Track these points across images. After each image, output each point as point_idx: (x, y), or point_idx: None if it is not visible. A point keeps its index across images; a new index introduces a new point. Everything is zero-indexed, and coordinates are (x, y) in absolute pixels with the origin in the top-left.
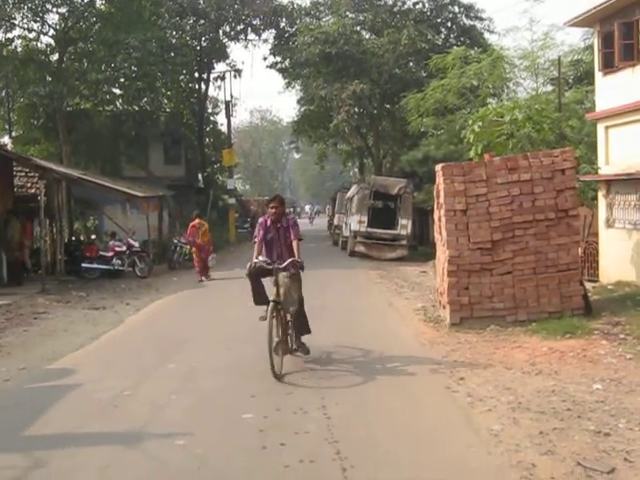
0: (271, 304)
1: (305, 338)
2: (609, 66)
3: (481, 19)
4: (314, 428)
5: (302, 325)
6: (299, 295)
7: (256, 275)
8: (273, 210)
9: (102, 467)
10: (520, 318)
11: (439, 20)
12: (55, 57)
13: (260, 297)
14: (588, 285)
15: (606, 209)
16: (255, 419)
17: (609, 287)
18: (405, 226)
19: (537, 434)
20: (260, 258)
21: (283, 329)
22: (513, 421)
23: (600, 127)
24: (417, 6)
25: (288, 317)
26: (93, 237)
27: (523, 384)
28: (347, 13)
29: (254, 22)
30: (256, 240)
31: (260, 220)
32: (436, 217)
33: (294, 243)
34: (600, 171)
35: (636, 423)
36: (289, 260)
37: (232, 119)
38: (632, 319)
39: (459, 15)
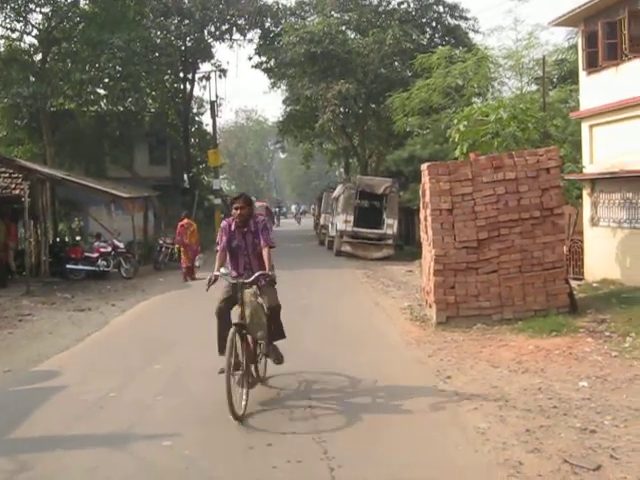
0: (233, 328)
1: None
2: (593, 65)
3: (466, 19)
4: (301, 428)
5: (276, 331)
6: (275, 304)
7: (227, 309)
8: (238, 212)
9: (89, 469)
10: (506, 316)
11: (424, 20)
12: (39, 57)
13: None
14: (573, 283)
15: (591, 207)
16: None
17: (594, 285)
18: (391, 225)
19: (524, 432)
20: (222, 270)
21: (248, 357)
22: (500, 419)
23: (584, 126)
24: (402, 6)
25: (262, 337)
26: (78, 238)
27: (509, 382)
28: (332, 13)
29: (239, 22)
30: (218, 248)
31: (223, 224)
32: (422, 216)
33: (264, 251)
34: (585, 170)
35: (622, 420)
36: (257, 274)
37: (217, 119)
38: (617, 317)
39: (444, 15)
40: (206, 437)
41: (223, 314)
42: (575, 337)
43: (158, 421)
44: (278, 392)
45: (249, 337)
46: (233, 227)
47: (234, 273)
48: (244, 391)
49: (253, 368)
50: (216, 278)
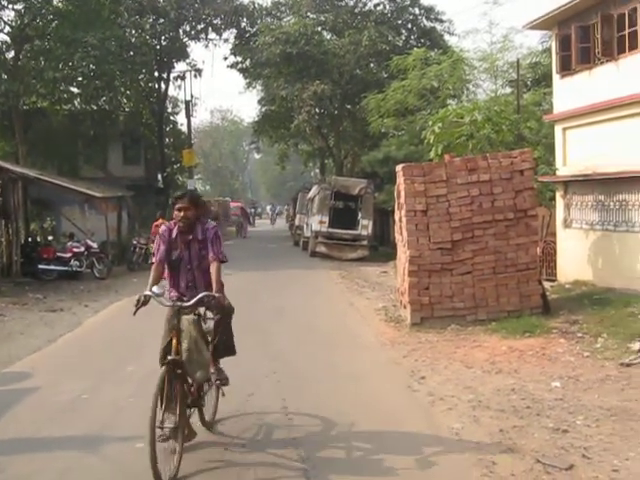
0: (164, 368)
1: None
2: (566, 69)
3: (441, 21)
4: (276, 429)
5: (225, 347)
6: (227, 308)
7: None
8: (181, 214)
9: (61, 471)
10: (480, 317)
11: (400, 22)
12: (11, 55)
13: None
14: (546, 284)
15: (564, 209)
16: (215, 421)
17: (567, 286)
18: (366, 226)
19: (497, 432)
20: (154, 290)
21: (182, 405)
22: (473, 419)
23: (558, 129)
24: (378, 8)
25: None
26: (50, 238)
27: (483, 383)
28: (308, 13)
29: (214, 21)
30: (154, 260)
31: (162, 229)
32: (397, 217)
33: (213, 267)
34: (558, 172)
35: (593, 420)
36: (200, 295)
37: (192, 119)
38: (589, 317)
39: (419, 17)
40: None
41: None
42: (548, 338)
43: (131, 423)
44: (252, 392)
45: (184, 379)
46: (175, 233)
47: (173, 293)
48: (177, 448)
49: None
50: (146, 299)
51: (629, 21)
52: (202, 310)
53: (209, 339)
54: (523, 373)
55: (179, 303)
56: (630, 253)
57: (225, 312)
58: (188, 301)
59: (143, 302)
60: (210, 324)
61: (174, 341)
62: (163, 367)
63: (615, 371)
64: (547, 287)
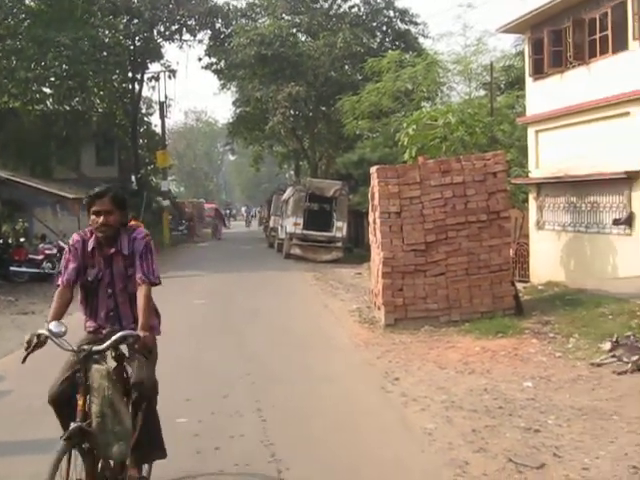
0: (63, 442)
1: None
2: (539, 72)
3: (416, 24)
4: (249, 431)
5: (151, 442)
6: (147, 381)
7: (71, 393)
8: (100, 219)
9: (33, 475)
10: (453, 318)
11: (374, 24)
12: None
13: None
14: (519, 285)
15: (536, 211)
16: (190, 423)
17: (539, 287)
18: (340, 228)
19: (470, 432)
20: (52, 326)
21: None
22: (446, 420)
23: (530, 131)
24: (353, 10)
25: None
26: (22, 240)
27: (456, 383)
28: (283, 15)
29: (189, 22)
30: (59, 282)
31: (74, 239)
32: (371, 219)
33: (140, 292)
34: (530, 174)
35: (565, 419)
36: (118, 336)
37: (166, 120)
38: (561, 318)
39: (394, 19)
40: None
41: (61, 404)
42: (520, 338)
43: None
44: (227, 394)
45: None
46: (91, 246)
47: (90, 323)
48: None
49: None
50: (40, 340)
51: (600, 25)
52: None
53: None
54: (496, 373)
55: (86, 347)
56: (601, 254)
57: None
58: (107, 338)
59: (36, 344)
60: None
61: (80, 401)
62: (62, 441)
63: (586, 371)
64: (520, 288)
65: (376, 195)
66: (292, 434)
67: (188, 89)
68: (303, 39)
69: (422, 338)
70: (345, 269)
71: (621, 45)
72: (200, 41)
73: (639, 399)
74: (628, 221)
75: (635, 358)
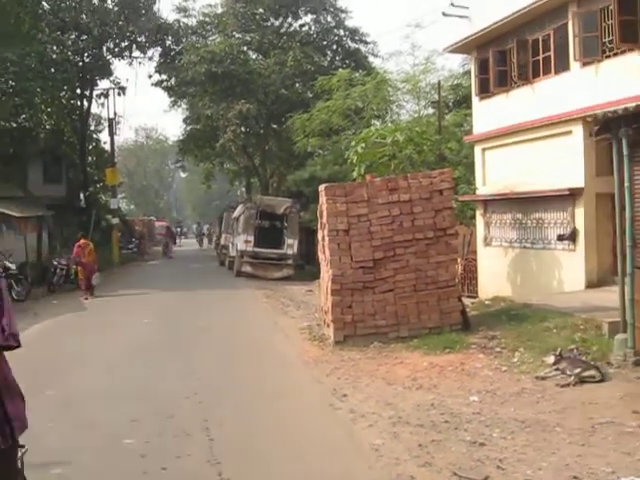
0: None
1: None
2: (485, 91)
3: (366, 42)
4: (196, 451)
5: None
6: None
7: None
8: None
9: None
10: (402, 334)
11: (325, 42)
12: None
13: None
14: (467, 301)
15: (484, 228)
16: (136, 444)
17: (486, 302)
18: (291, 245)
19: (416, 447)
20: None
21: None
22: (393, 435)
23: (477, 149)
24: (303, 28)
25: None
26: None
27: (404, 399)
28: (234, 33)
29: (139, 39)
30: None
31: None
32: (320, 237)
33: None
34: (478, 191)
35: (509, 432)
36: None
37: (116, 137)
38: (507, 333)
39: (344, 38)
40: (98, 464)
41: None
42: (467, 353)
43: (48, 449)
44: (173, 414)
45: None
46: None
47: None
48: None
49: None
50: None
51: (543, 46)
52: None
53: None
54: (443, 388)
55: None
56: (547, 269)
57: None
58: None
59: None
60: None
61: None
62: None
63: (531, 384)
64: (468, 304)
65: (324, 213)
66: (239, 452)
67: (138, 106)
68: (254, 57)
69: (371, 355)
70: (296, 286)
71: (563, 66)
72: (150, 58)
73: (581, 411)
74: (572, 237)
75: (577, 371)
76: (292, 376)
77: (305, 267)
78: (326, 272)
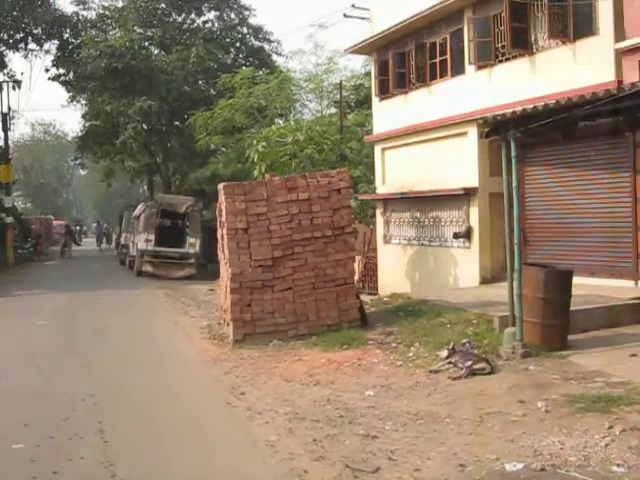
0: None
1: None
2: (384, 92)
3: (269, 41)
4: (90, 453)
5: None
6: None
7: None
8: None
9: None
10: (301, 332)
11: (228, 40)
12: None
13: None
14: (367, 298)
15: (383, 226)
16: (26, 449)
17: (385, 299)
18: (193, 244)
19: (311, 442)
20: None
21: None
22: (289, 431)
23: (377, 149)
24: (206, 25)
25: None
26: None
27: (301, 395)
28: (135, 28)
29: (35, 31)
30: None
31: None
32: (219, 235)
33: None
34: (377, 190)
35: (401, 424)
36: None
37: (10, 133)
38: (403, 329)
39: (248, 36)
40: None
41: None
42: (364, 349)
43: None
44: (67, 417)
45: None
46: None
47: None
48: None
49: None
50: None
51: (440, 50)
52: None
53: None
54: (339, 384)
55: None
56: (443, 266)
57: None
58: None
59: None
60: None
61: None
62: None
63: (424, 378)
64: (367, 300)
65: (223, 212)
66: (134, 454)
67: (35, 101)
68: (156, 53)
69: (270, 353)
70: (198, 285)
71: (459, 69)
72: (47, 51)
73: (471, 402)
74: (467, 235)
75: (469, 364)
76: (190, 375)
77: (207, 266)
78: (225, 271)
